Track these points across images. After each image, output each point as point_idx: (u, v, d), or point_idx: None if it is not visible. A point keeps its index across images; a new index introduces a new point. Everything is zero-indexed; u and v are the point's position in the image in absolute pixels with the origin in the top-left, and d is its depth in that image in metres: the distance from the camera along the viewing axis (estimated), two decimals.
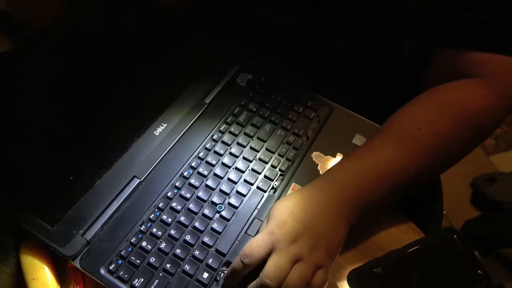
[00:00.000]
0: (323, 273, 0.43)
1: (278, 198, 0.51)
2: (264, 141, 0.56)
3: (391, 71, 0.60)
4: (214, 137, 0.56)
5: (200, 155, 0.54)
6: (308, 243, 0.43)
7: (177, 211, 0.50)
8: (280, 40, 0.65)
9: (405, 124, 0.50)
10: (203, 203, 0.51)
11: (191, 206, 0.50)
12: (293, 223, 0.43)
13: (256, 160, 0.54)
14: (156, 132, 0.56)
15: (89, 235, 0.47)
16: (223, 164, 0.54)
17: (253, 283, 0.42)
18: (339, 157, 0.56)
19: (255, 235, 0.48)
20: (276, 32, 0.64)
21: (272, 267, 0.41)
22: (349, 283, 0.47)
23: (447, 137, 0.48)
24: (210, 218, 0.49)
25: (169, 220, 0.49)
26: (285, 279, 0.41)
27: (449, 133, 0.48)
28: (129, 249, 0.47)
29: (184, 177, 0.52)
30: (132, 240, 0.47)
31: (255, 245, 0.43)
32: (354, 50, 0.60)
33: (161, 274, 0.45)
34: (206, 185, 0.52)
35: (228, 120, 0.58)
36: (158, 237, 0.48)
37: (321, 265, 0.43)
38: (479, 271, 0.46)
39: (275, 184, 0.53)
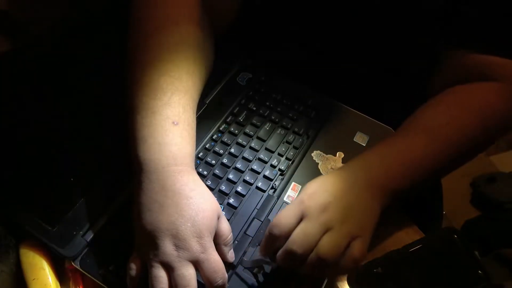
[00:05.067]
0: (360, 242, 0.41)
1: (277, 198, 0.51)
2: (264, 141, 0.56)
3: (397, 71, 0.60)
4: (213, 137, 0.56)
5: (199, 155, 0.54)
6: (339, 213, 0.41)
7: None
8: (283, 39, 0.65)
9: (433, 119, 0.51)
10: None
11: None
12: (324, 194, 0.42)
13: (255, 159, 0.54)
14: None
15: (89, 236, 0.47)
16: (222, 164, 0.54)
17: (280, 252, 0.41)
18: (340, 156, 0.56)
19: (254, 235, 0.48)
20: (279, 33, 0.64)
21: (299, 233, 0.40)
22: (349, 283, 0.47)
23: (472, 133, 0.50)
24: None
25: None
26: (313, 248, 0.40)
27: (474, 130, 0.50)
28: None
29: None
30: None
31: (284, 214, 0.42)
32: (364, 51, 0.60)
33: None
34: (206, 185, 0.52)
35: (228, 120, 0.58)
36: None
37: (356, 236, 0.41)
38: (479, 271, 0.46)
39: (275, 184, 0.53)
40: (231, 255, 0.45)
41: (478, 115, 0.50)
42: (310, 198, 0.42)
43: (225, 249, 0.44)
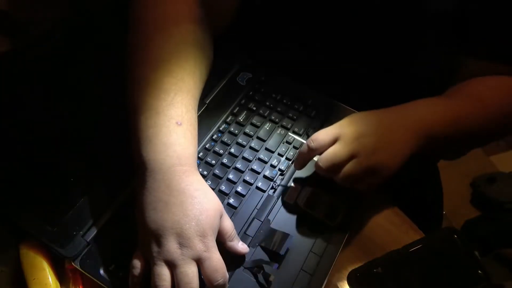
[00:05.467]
0: (376, 179, 0.46)
1: (277, 198, 0.51)
2: (264, 141, 0.56)
3: (398, 72, 0.60)
4: (213, 137, 0.56)
5: (200, 155, 0.54)
6: (370, 145, 0.45)
7: None
8: (283, 39, 0.65)
9: (475, 91, 0.55)
10: None
11: None
12: (362, 124, 0.46)
13: (255, 159, 0.54)
14: None
15: (89, 236, 0.47)
16: (222, 164, 0.54)
17: (316, 162, 0.47)
18: None
19: (254, 235, 0.48)
20: (279, 33, 0.64)
21: (329, 153, 0.45)
22: (349, 283, 0.47)
23: (508, 113, 0.54)
24: None
25: None
26: (338, 166, 0.45)
27: (510, 111, 0.54)
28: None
29: None
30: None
31: (323, 131, 0.47)
32: (364, 51, 0.60)
33: None
34: None
35: (228, 120, 0.58)
36: None
37: (378, 169, 0.45)
38: (479, 271, 0.46)
39: (275, 184, 0.53)
40: (242, 246, 0.46)
41: None
42: (348, 125, 0.47)
43: (232, 243, 0.45)
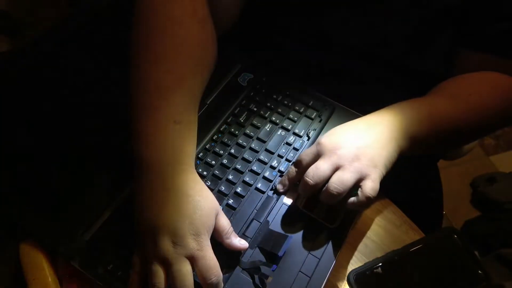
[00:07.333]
0: (371, 181, 0.45)
1: (277, 200, 0.51)
2: (264, 142, 0.56)
3: (399, 72, 0.60)
4: (214, 138, 0.56)
5: (199, 155, 0.54)
6: (351, 152, 0.45)
7: None
8: (283, 39, 0.65)
9: (458, 88, 0.55)
10: None
11: None
12: (339, 135, 0.47)
13: (255, 160, 0.54)
14: None
15: (88, 235, 0.47)
16: (222, 164, 0.54)
17: (300, 181, 0.47)
18: None
19: (252, 236, 0.48)
20: (280, 33, 0.64)
21: (312, 168, 0.46)
22: (349, 283, 0.47)
23: (492, 109, 0.54)
24: None
25: None
26: (324, 180, 0.45)
27: (494, 105, 0.54)
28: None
29: None
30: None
31: (303, 153, 0.49)
32: (366, 51, 0.60)
33: None
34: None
35: (228, 120, 0.58)
36: None
37: (365, 174, 0.45)
38: (479, 271, 0.46)
39: (275, 185, 0.53)
40: (240, 242, 0.46)
41: (500, 93, 0.54)
42: (327, 138, 0.47)
43: (230, 240, 0.45)
